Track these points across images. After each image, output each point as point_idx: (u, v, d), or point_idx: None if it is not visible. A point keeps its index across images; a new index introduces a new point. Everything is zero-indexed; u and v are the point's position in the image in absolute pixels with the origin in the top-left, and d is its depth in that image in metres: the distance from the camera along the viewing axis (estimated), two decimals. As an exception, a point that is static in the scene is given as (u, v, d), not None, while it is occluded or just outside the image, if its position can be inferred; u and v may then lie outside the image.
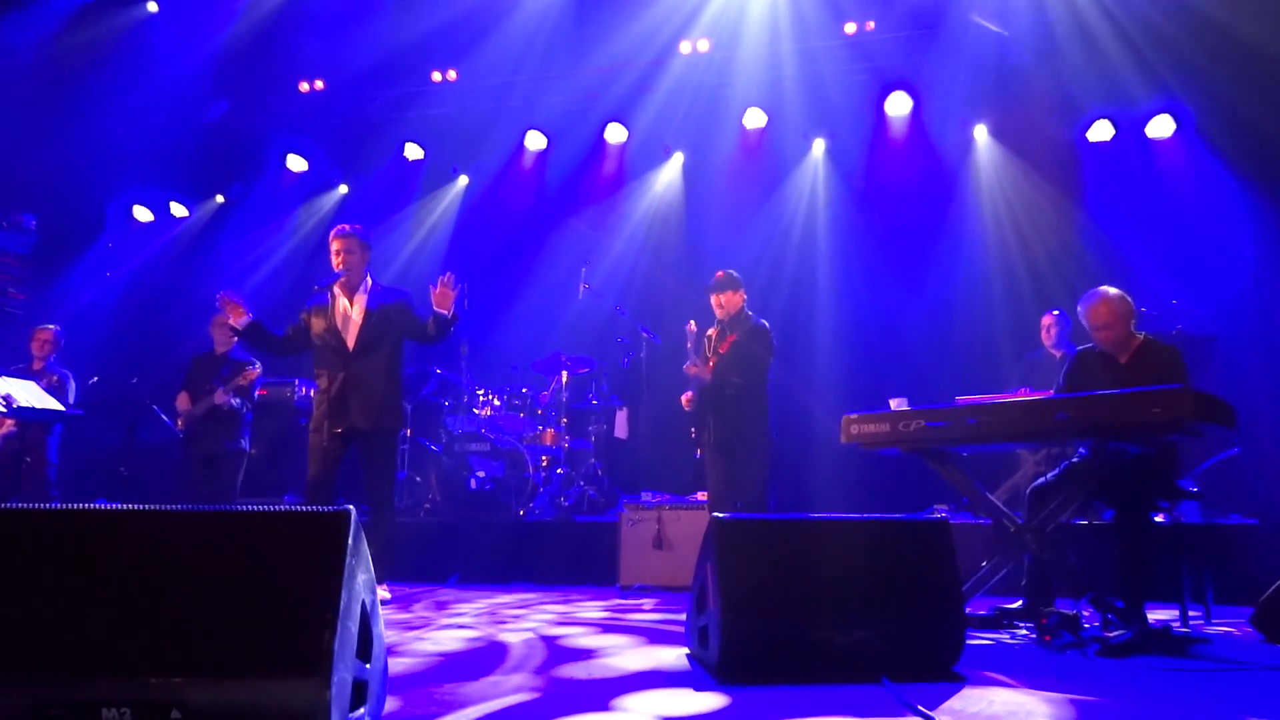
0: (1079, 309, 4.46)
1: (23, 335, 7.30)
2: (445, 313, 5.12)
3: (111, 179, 9.85)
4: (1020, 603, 4.32)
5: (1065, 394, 4.20)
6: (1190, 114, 7.87)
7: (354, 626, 2.14)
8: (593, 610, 4.89)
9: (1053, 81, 8.15)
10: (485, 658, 3.31)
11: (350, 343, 5.12)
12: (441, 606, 5.02)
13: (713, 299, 5.73)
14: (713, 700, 2.61)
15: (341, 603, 2.04)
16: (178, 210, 10.34)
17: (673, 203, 9.61)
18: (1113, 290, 4.37)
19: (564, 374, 8.02)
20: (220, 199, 10.48)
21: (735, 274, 5.75)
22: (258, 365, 6.70)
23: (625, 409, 8.24)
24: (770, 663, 2.89)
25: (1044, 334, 7.01)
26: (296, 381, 8.03)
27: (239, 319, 5.11)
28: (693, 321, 5.83)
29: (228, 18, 8.87)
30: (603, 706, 2.53)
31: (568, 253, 9.15)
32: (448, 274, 5.11)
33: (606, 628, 4.16)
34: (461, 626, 4.18)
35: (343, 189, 10.39)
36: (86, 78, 8.99)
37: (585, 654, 3.40)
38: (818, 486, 7.79)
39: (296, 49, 9.25)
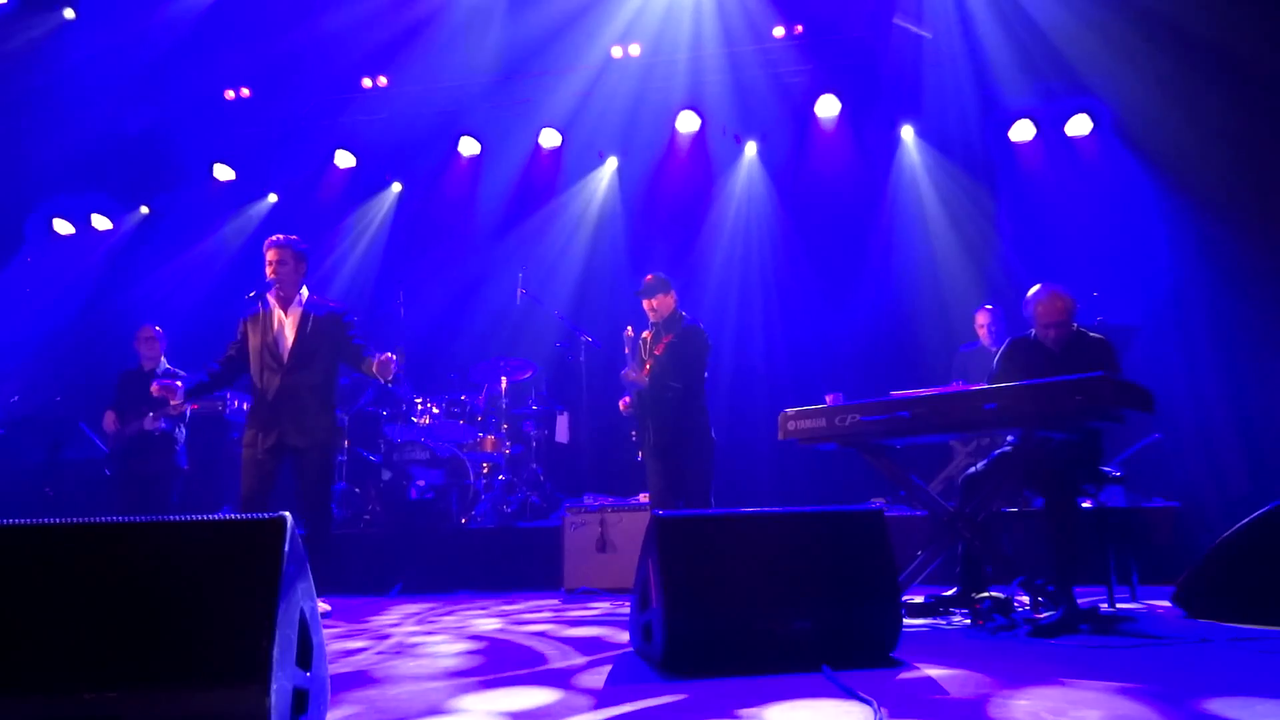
0: (1030, 303, 4.54)
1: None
2: (384, 380, 5.05)
3: (29, 191, 9.55)
4: (955, 589, 4.43)
5: (996, 384, 4.31)
6: (1107, 113, 8.15)
7: (293, 634, 2.12)
8: (538, 613, 4.89)
9: (975, 82, 8.37)
10: (431, 663, 3.29)
11: (284, 355, 5.04)
12: (381, 614, 4.96)
13: (645, 303, 5.75)
14: (659, 693, 2.64)
15: (279, 610, 2.03)
16: (100, 222, 10.04)
17: (608, 206, 9.64)
18: (1059, 288, 4.48)
19: (503, 380, 7.99)
20: (145, 210, 10.20)
21: (664, 276, 5.78)
22: (184, 401, 6.53)
23: (566, 413, 8.24)
24: (713, 655, 2.93)
25: (981, 331, 7.14)
26: (228, 395, 7.84)
27: (176, 398, 5.05)
28: (629, 327, 5.85)
29: (149, 24, 8.67)
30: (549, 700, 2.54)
31: (504, 258, 9.13)
32: (397, 351, 5.11)
33: (552, 629, 4.16)
34: (406, 634, 4.14)
35: (272, 198, 10.21)
36: (3, 87, 8.71)
37: (531, 655, 3.41)
38: (759, 484, 7.89)
39: (221, 56, 9.07)
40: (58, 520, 2.15)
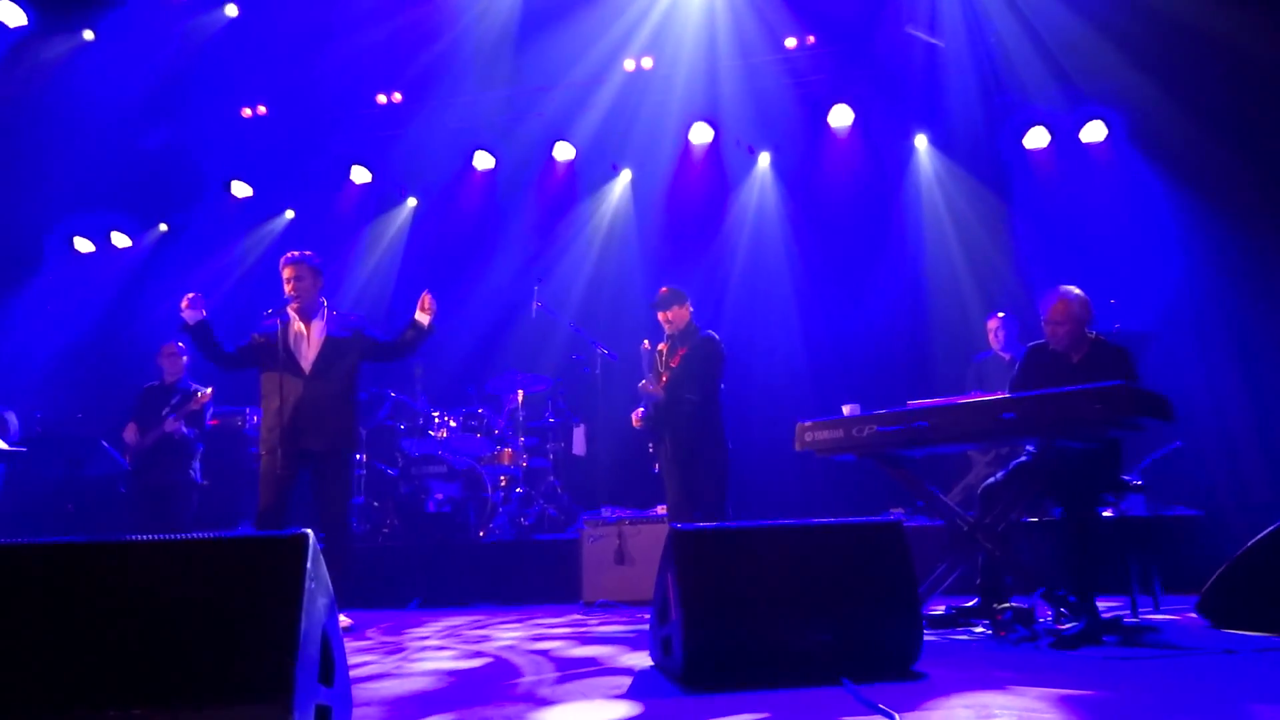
0: (1040, 305, 4.55)
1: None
2: (425, 322, 5.23)
3: (50, 210, 9.65)
4: (976, 601, 4.40)
5: (1016, 393, 4.29)
6: (1120, 120, 8.12)
7: (315, 650, 2.13)
8: (557, 627, 4.88)
9: (988, 89, 8.36)
10: (451, 680, 3.29)
11: (306, 366, 5.09)
12: (403, 631, 4.97)
13: (660, 315, 5.76)
14: (677, 708, 2.63)
15: (301, 627, 2.04)
16: (120, 240, 10.15)
17: (623, 218, 9.67)
18: (1075, 291, 4.46)
19: (520, 393, 8.00)
20: (164, 227, 10.30)
21: (679, 288, 5.79)
22: (208, 390, 6.61)
23: (582, 426, 8.24)
24: (733, 669, 2.92)
25: (991, 337, 7.13)
26: (247, 410, 7.90)
27: (193, 315, 5.04)
28: (646, 341, 5.86)
29: (166, 44, 8.77)
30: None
31: (520, 272, 9.16)
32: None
33: (572, 642, 4.16)
34: (425, 650, 4.15)
35: (289, 214, 10.29)
36: (23, 108, 8.82)
37: (553, 668, 3.40)
38: (775, 495, 7.86)
39: (238, 74, 9.17)
40: (80, 537, 2.17)
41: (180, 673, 2.00)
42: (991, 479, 4.54)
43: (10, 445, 6.46)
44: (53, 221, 9.85)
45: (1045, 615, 4.08)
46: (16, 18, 8.19)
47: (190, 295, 5.07)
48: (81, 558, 2.13)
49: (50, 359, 9.34)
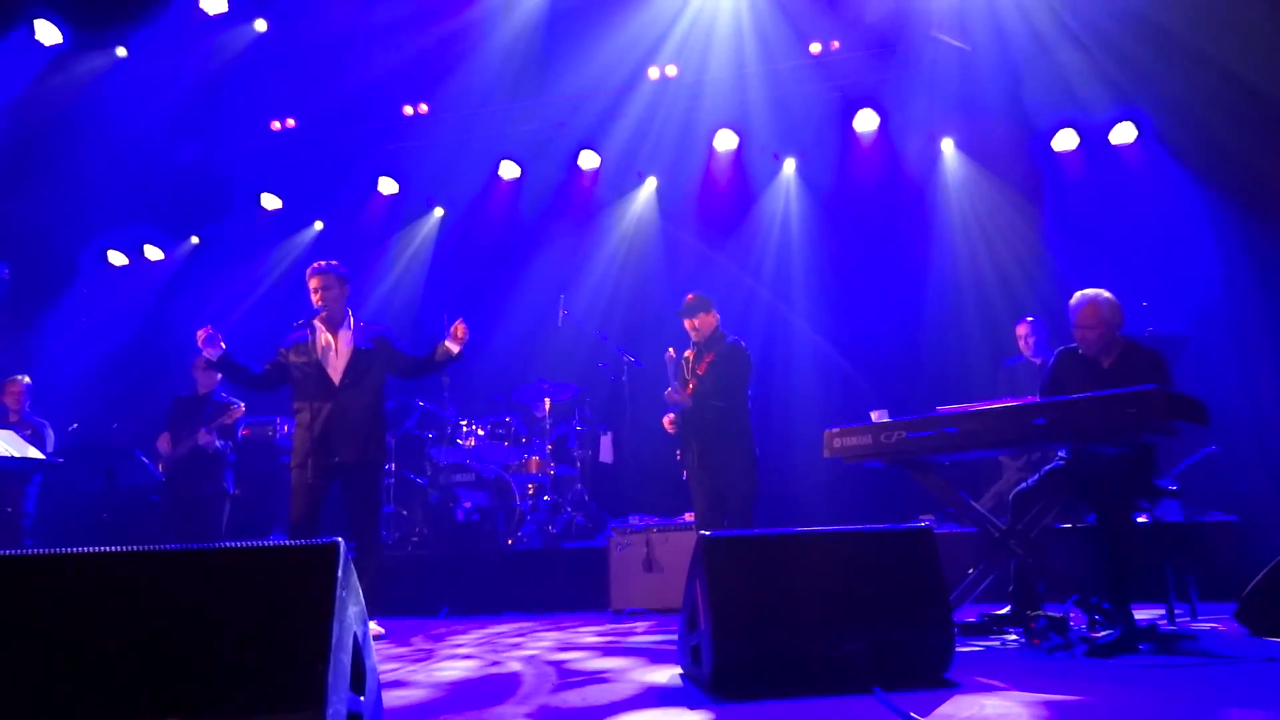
0: (1070, 305, 4.50)
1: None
2: (455, 350, 5.18)
3: (84, 224, 9.81)
4: (1008, 608, 4.35)
5: (1048, 398, 4.24)
6: (1150, 121, 8.03)
7: (346, 659, 2.14)
8: (587, 636, 4.88)
9: (1016, 92, 8.29)
10: (485, 687, 3.30)
11: (336, 377, 5.12)
12: (437, 639, 4.99)
13: (686, 323, 5.75)
14: (707, 717, 2.62)
15: (333, 635, 2.05)
16: (152, 253, 10.30)
17: (648, 226, 9.68)
18: (1104, 294, 4.41)
19: (547, 401, 8.02)
20: (195, 240, 10.46)
21: (705, 295, 5.78)
22: (241, 405, 6.68)
23: (609, 433, 8.25)
24: (763, 677, 2.91)
25: (1021, 343, 7.08)
26: (278, 420, 7.99)
27: (213, 352, 5.10)
28: (671, 349, 5.85)
29: (197, 60, 8.89)
30: (598, 729, 2.54)
31: (546, 280, 9.19)
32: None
33: (601, 652, 4.16)
34: (458, 657, 4.16)
35: (318, 225, 10.41)
36: (57, 124, 8.98)
37: (581, 678, 3.40)
38: (803, 502, 7.82)
39: (266, 88, 9.28)
40: (115, 547, 2.19)
41: (214, 681, 2.01)
42: (1023, 484, 4.49)
43: (47, 456, 6.57)
44: (87, 235, 10.01)
45: (1079, 623, 4.03)
46: (53, 36, 8.36)
47: (203, 333, 5.08)
48: (118, 567, 2.16)
49: (85, 370, 9.48)
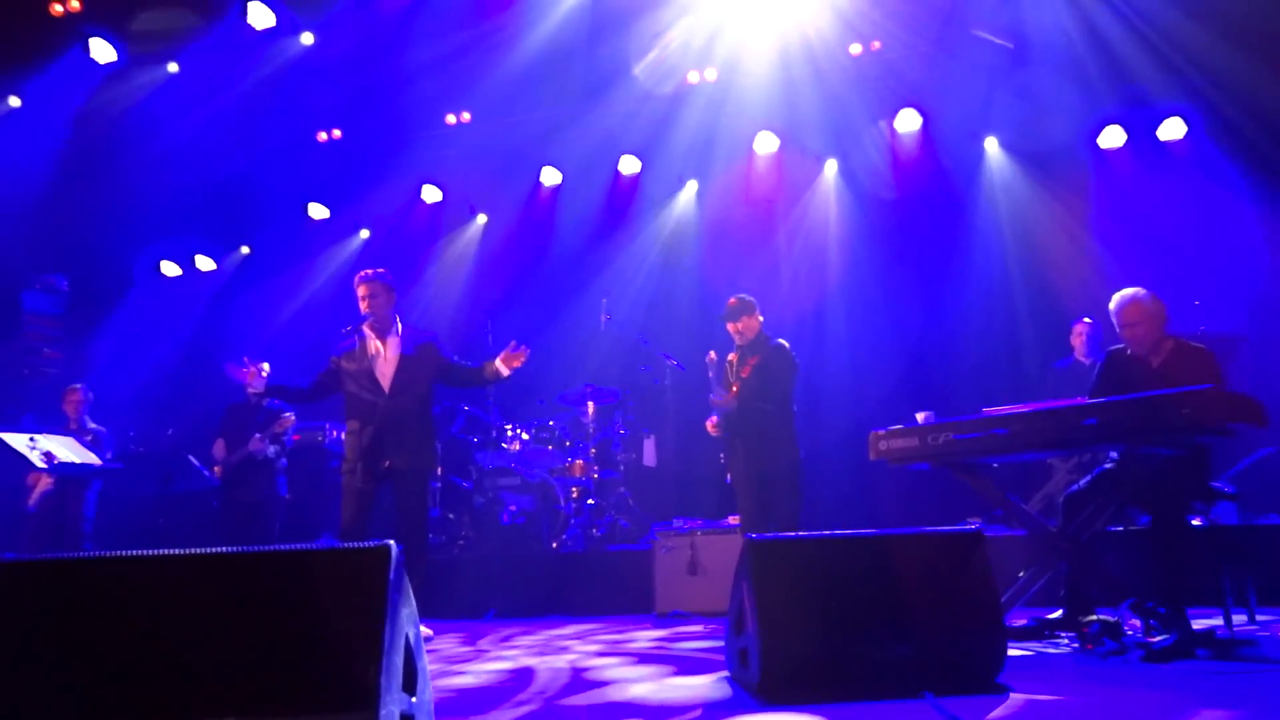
0: (1111, 307, 4.44)
1: (59, 394, 7.43)
2: (505, 372, 5.21)
3: (138, 236, 10.05)
4: (1060, 612, 4.29)
5: (1097, 398, 4.18)
6: (1199, 116, 7.87)
7: (399, 660, 2.18)
8: (633, 639, 4.90)
9: (1060, 90, 8.16)
10: (517, 687, 3.33)
11: (386, 385, 5.20)
12: (482, 639, 5.04)
13: (729, 326, 5.73)
14: (756, 721, 2.63)
15: (386, 637, 2.08)
16: (204, 263, 10.53)
17: (689, 229, 9.69)
18: (1144, 291, 4.35)
19: (590, 405, 8.05)
20: (245, 250, 10.68)
21: (748, 298, 5.75)
22: (292, 415, 6.80)
23: (653, 437, 8.26)
24: (811, 681, 2.90)
25: (1075, 340, 6.99)
26: (327, 425, 8.11)
27: (255, 382, 5.22)
28: (712, 352, 5.84)
29: (246, 73, 9.07)
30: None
31: (588, 285, 9.23)
32: (524, 347, 5.21)
33: (649, 656, 4.17)
34: (505, 659, 4.20)
35: (364, 234, 10.56)
36: (112, 139, 9.22)
37: (631, 682, 3.42)
38: (848, 505, 7.76)
39: (313, 100, 9.44)
40: (170, 551, 2.25)
41: (268, 682, 2.05)
42: (1074, 486, 4.43)
43: (106, 462, 6.74)
44: (141, 247, 10.26)
45: (1133, 628, 3.96)
46: (107, 54, 8.59)
47: (245, 370, 5.21)
48: (174, 570, 2.21)
49: (141, 378, 9.70)
